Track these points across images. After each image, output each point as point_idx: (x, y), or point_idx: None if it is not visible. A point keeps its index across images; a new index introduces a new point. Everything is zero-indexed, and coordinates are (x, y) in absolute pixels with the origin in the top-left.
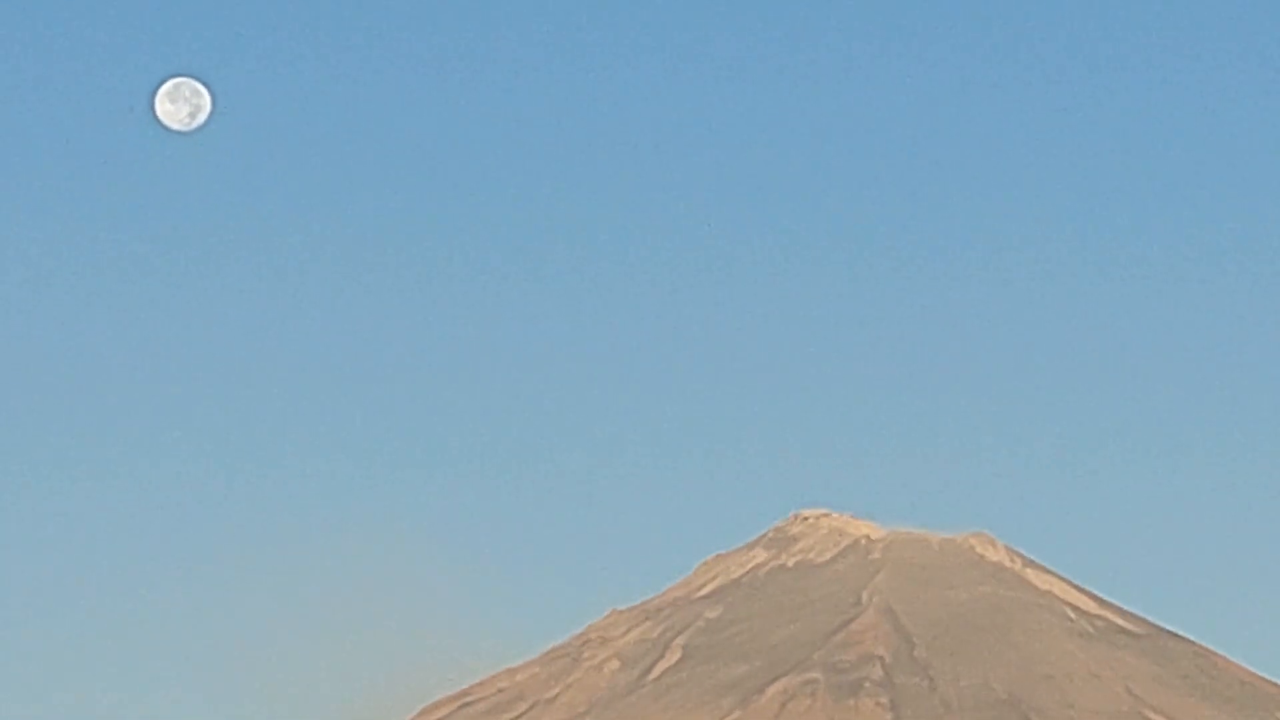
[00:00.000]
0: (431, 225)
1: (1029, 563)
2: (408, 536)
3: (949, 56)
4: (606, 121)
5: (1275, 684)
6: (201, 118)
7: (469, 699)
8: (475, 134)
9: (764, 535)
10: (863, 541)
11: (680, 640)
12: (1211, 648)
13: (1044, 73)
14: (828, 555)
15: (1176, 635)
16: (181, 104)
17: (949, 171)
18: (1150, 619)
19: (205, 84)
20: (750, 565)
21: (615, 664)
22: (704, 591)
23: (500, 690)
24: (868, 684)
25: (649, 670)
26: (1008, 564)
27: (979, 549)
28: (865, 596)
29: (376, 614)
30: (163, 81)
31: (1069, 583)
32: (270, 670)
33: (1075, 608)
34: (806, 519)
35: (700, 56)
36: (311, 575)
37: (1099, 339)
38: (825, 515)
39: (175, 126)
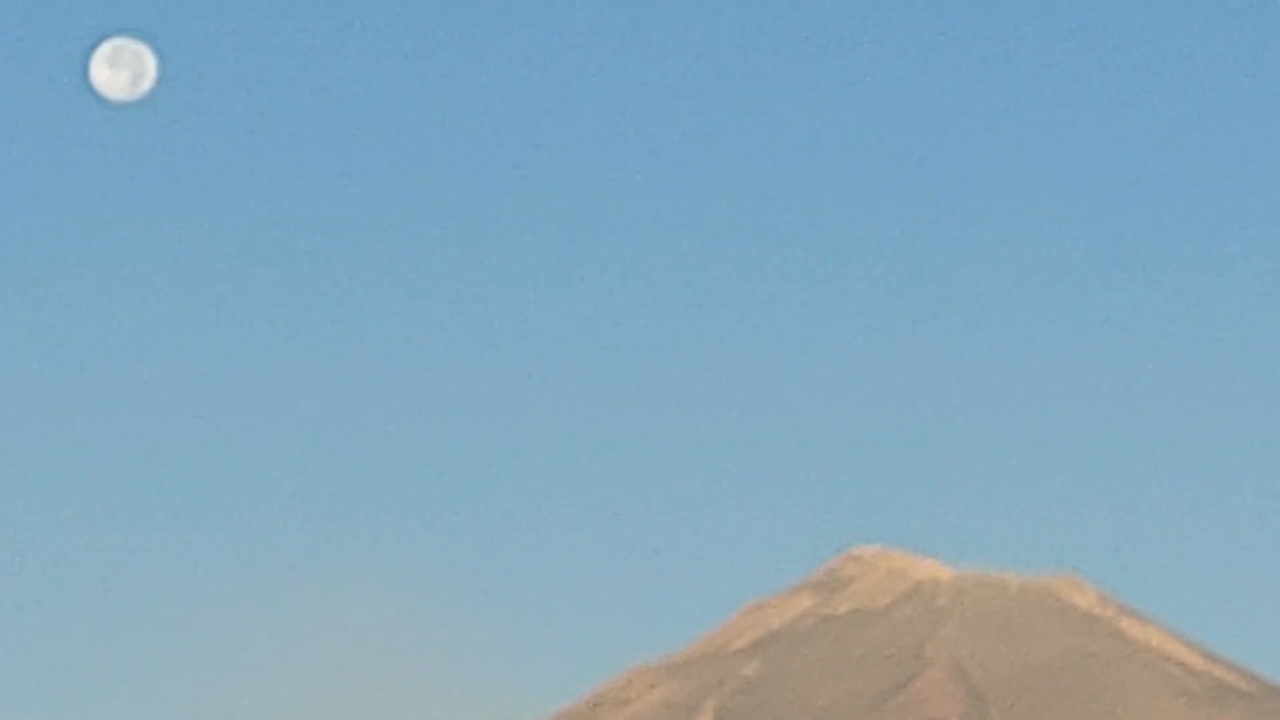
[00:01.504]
0: (402, 208)
1: (1123, 610)
2: (402, 581)
3: (949, 56)
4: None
5: None
6: (145, 85)
7: None
8: (443, 102)
9: (811, 577)
10: (927, 585)
11: (712, 701)
12: None
13: (1045, 73)
14: (886, 601)
15: None
16: (121, 70)
17: (1014, 200)
18: (1264, 676)
19: (149, 46)
20: (794, 613)
21: None
22: (740, 644)
23: None
24: None
25: None
26: (1098, 611)
27: (1064, 594)
28: (930, 650)
29: (368, 670)
30: (99, 43)
31: (1170, 633)
32: None
33: (1177, 662)
34: (861, 558)
35: (701, 56)
36: (303, 628)
37: (1207, 357)
38: (883, 553)
39: (115, 96)
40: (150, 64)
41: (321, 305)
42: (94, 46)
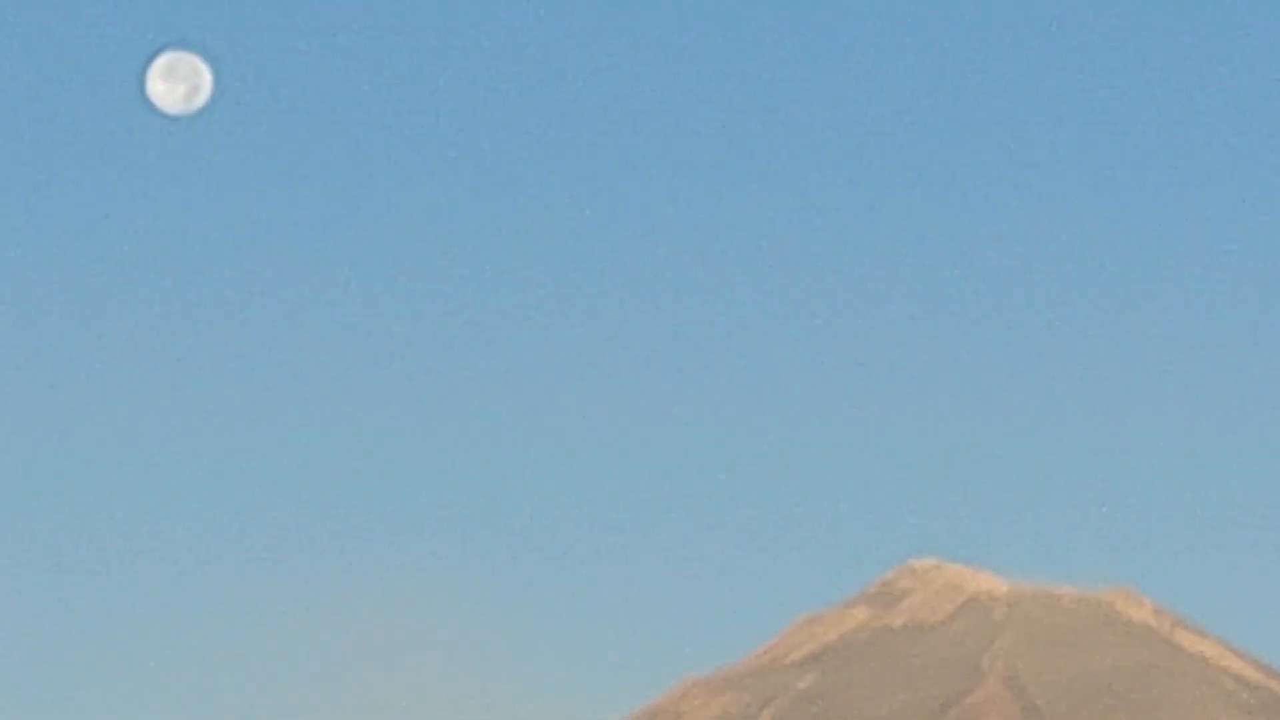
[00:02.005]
0: (451, 223)
1: (1180, 623)
2: (448, 589)
3: (950, 56)
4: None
5: None
6: (201, 99)
7: None
8: (496, 119)
9: (866, 590)
10: (983, 598)
11: (767, 713)
12: None
13: (1045, 72)
14: (941, 614)
15: None
16: (178, 83)
17: (1061, 202)
18: None
19: (205, 59)
20: (850, 626)
21: None
22: (795, 657)
23: None
24: None
25: None
26: (1154, 624)
27: (1120, 607)
28: (986, 663)
29: (413, 683)
30: (156, 56)
31: (1227, 646)
32: None
33: (1235, 676)
34: (916, 571)
35: (701, 57)
36: (342, 640)
37: (1268, 368)
38: (939, 566)
39: (170, 109)
40: (206, 77)
41: (375, 310)
42: (150, 59)
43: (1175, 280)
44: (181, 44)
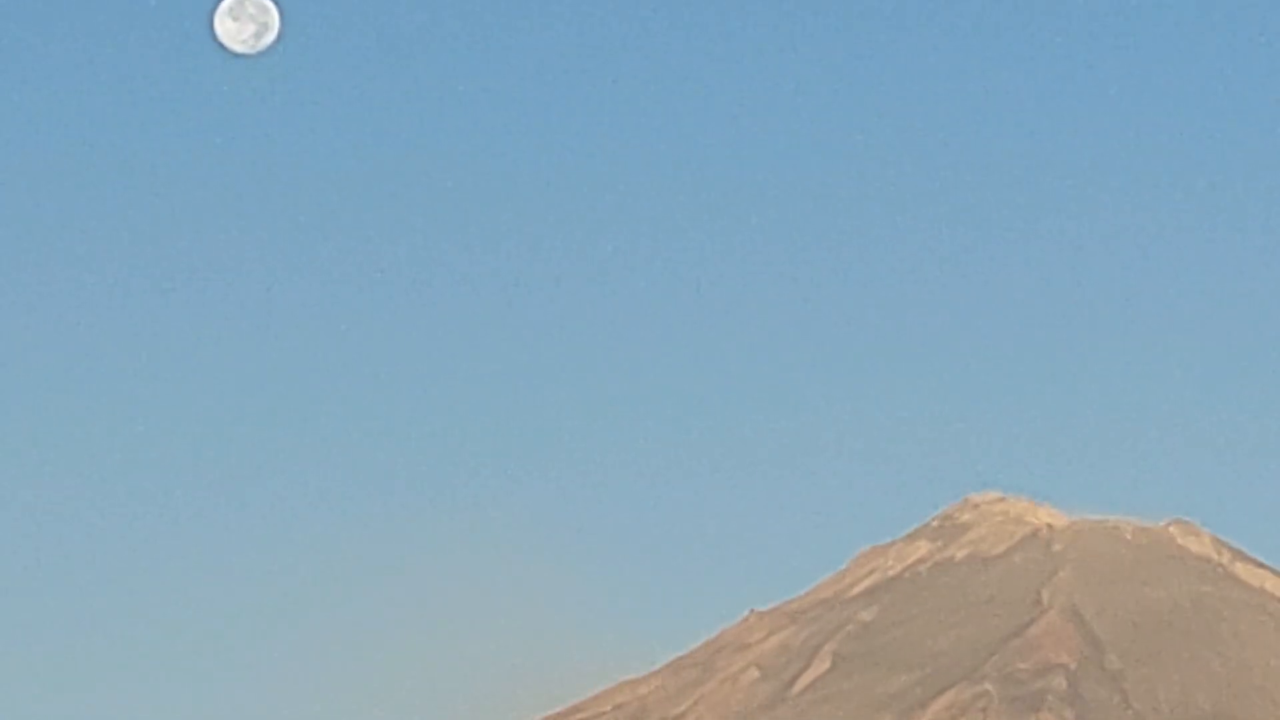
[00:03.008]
0: (514, 161)
1: (1239, 555)
2: (512, 526)
3: (950, 56)
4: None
5: None
6: (269, 38)
7: (581, 715)
8: (555, 46)
9: (928, 524)
10: (1043, 531)
11: (830, 647)
12: None
13: (1046, 73)
14: (1002, 547)
15: None
16: (246, 22)
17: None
18: None
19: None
20: (912, 559)
21: (754, 674)
22: (858, 590)
23: (618, 706)
24: (1050, 698)
25: (793, 682)
26: (1214, 556)
27: (1180, 539)
28: (1046, 596)
29: (478, 616)
30: None
31: None
32: (367, 677)
33: None
34: (977, 505)
35: (704, 56)
36: (406, 571)
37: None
38: (999, 500)
39: (238, 48)
40: (274, 16)
41: (437, 253)
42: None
43: (1225, 213)
44: None
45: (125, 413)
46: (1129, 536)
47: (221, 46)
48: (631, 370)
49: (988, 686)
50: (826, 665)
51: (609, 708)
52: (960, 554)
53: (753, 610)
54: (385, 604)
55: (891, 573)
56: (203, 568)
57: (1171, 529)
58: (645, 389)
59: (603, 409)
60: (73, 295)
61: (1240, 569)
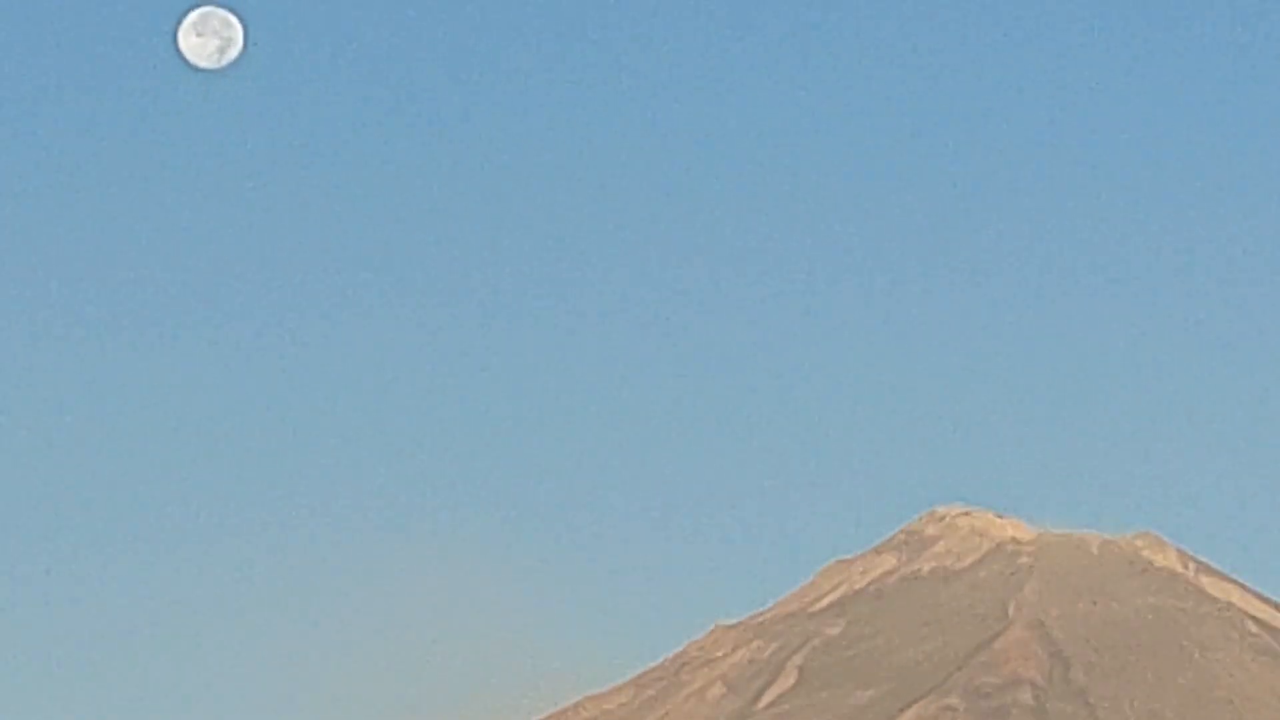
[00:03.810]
0: (480, 178)
1: (1204, 568)
2: (475, 539)
3: (951, 56)
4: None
5: None
6: (232, 53)
7: None
8: (522, 57)
9: (893, 537)
10: (1009, 544)
11: (796, 660)
12: None
13: (1047, 74)
14: (968, 560)
15: None
16: (210, 37)
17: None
18: None
19: (236, 14)
20: (878, 573)
21: (720, 689)
22: (824, 603)
23: None
24: (1015, 711)
25: (759, 696)
26: (1179, 569)
27: (1145, 552)
28: (1012, 609)
29: (441, 630)
30: (187, 11)
31: (1250, 591)
32: (331, 693)
33: (1258, 620)
34: (943, 518)
35: (701, 56)
36: (370, 585)
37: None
38: (965, 513)
39: (202, 64)
40: (237, 32)
41: (403, 271)
42: (182, 14)
43: (1197, 226)
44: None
45: (68, 452)
46: (1095, 550)
47: (186, 62)
48: (598, 385)
49: (954, 700)
50: (793, 679)
51: None
52: (926, 567)
53: (718, 623)
54: (348, 618)
55: (857, 586)
56: (162, 595)
57: (1137, 542)
58: (611, 403)
59: (569, 422)
60: (28, 312)
61: (1206, 582)
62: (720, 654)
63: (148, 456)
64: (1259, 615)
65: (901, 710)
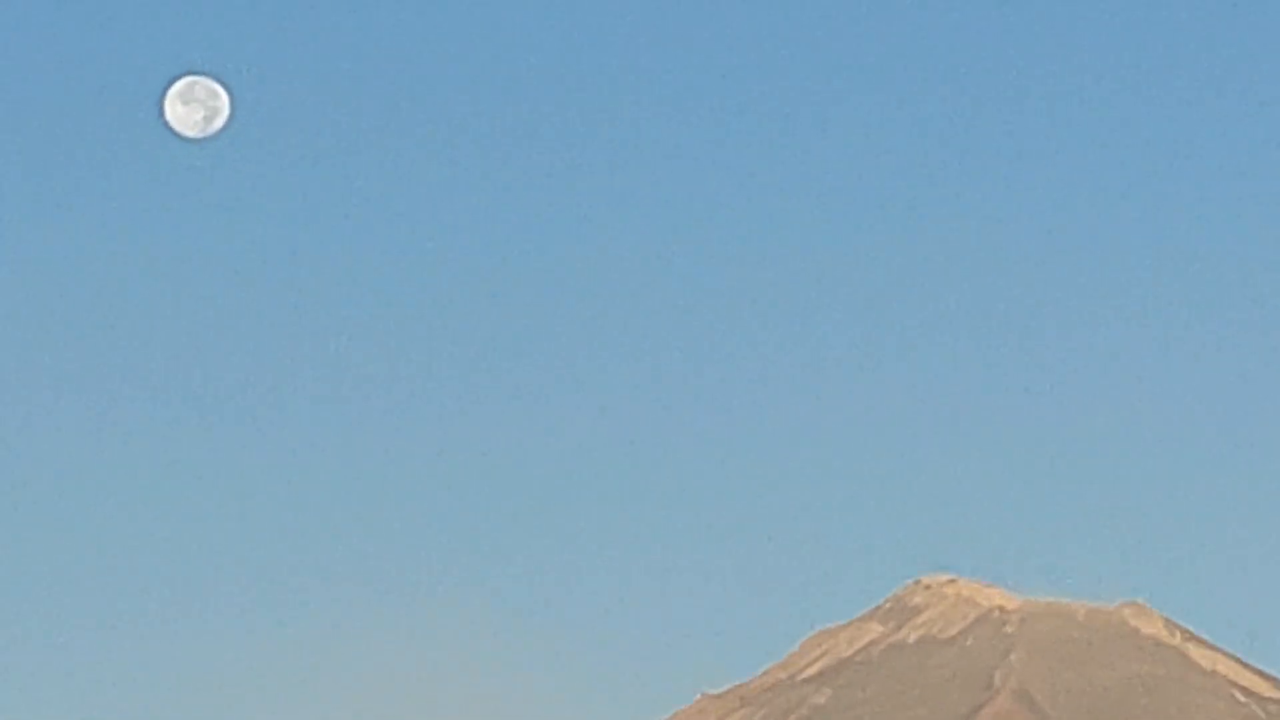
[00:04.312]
0: (468, 245)
1: (1191, 636)
2: (462, 609)
3: (952, 55)
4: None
5: None
6: (218, 123)
7: None
8: (508, 135)
9: (880, 606)
10: (995, 613)
11: None
12: None
13: (1050, 75)
14: (954, 629)
15: None
16: (196, 107)
17: (1075, 212)
18: None
19: (222, 83)
20: (864, 641)
21: None
22: (809, 672)
23: None
24: None
25: None
26: (1166, 638)
27: (1132, 621)
28: (999, 678)
29: (425, 700)
30: (173, 80)
31: (1239, 660)
32: None
33: (1247, 690)
34: (929, 587)
35: (701, 56)
36: (354, 658)
37: (1271, 377)
38: (951, 582)
39: (188, 133)
40: (223, 101)
41: (387, 327)
42: (169, 83)
43: (1183, 295)
44: (198, 68)
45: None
46: (1081, 618)
47: (171, 131)
48: (580, 451)
49: None
50: None
51: None
52: (912, 636)
53: (704, 693)
54: (335, 692)
55: (843, 655)
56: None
57: (1124, 610)
58: (594, 470)
59: (551, 490)
60: (8, 389)
61: (1193, 650)
62: None
63: (123, 537)
64: (1246, 684)
65: None
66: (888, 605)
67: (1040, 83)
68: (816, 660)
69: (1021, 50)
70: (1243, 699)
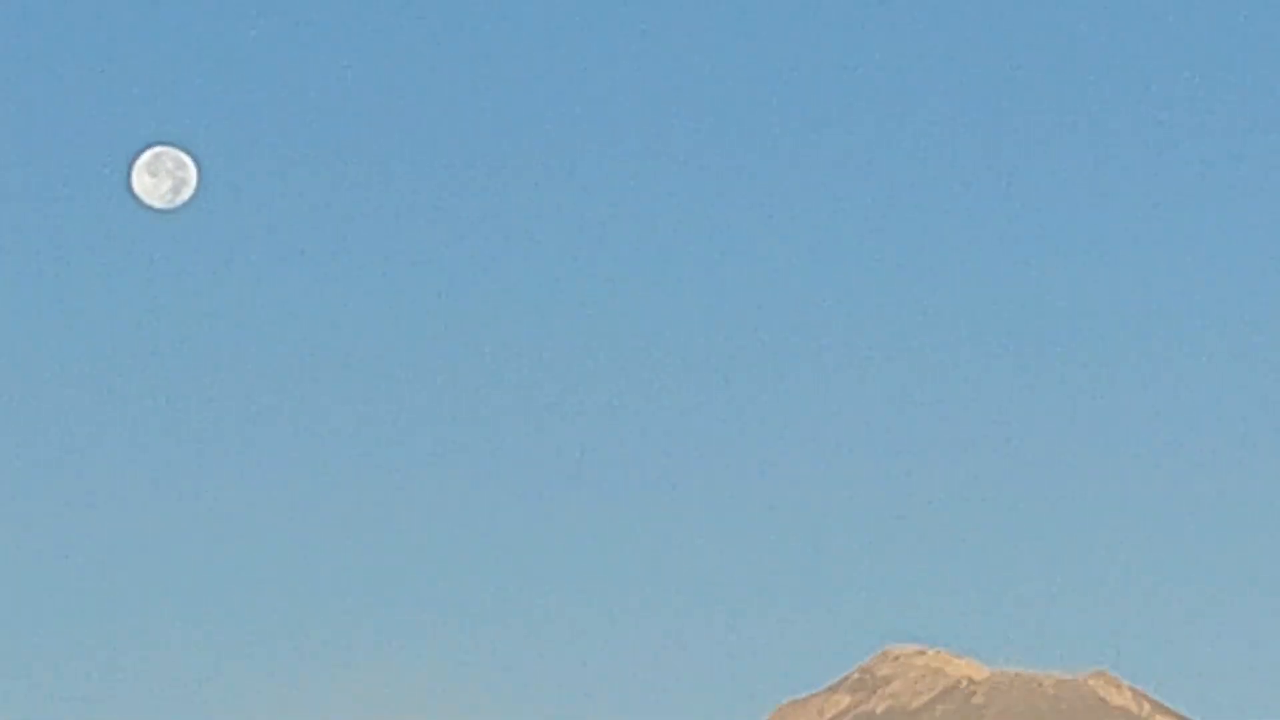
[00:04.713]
0: (441, 317)
1: (1159, 707)
2: (438, 677)
3: (951, 55)
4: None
5: None
6: (186, 194)
7: None
8: (484, 209)
9: (848, 676)
10: (963, 683)
11: None
12: None
13: (1050, 76)
14: (923, 699)
15: None
16: (163, 177)
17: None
18: None
19: (190, 154)
20: (832, 712)
21: None
22: None
23: None
24: None
25: None
26: (1134, 708)
27: (1100, 691)
28: None
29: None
30: (140, 151)
31: None
32: None
33: None
34: (897, 657)
35: (700, 56)
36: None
37: (1247, 456)
38: (919, 652)
39: (155, 203)
40: (191, 172)
41: (360, 408)
42: (136, 154)
43: (1147, 375)
44: (165, 139)
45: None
46: (1050, 689)
47: (139, 202)
48: (547, 524)
49: None
50: None
51: None
52: (880, 707)
53: None
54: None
55: None
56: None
57: (1092, 681)
58: (563, 547)
59: (524, 570)
60: None
61: None
62: None
63: (107, 608)
64: None
65: None
66: (856, 675)
67: (1040, 83)
68: None
69: (1022, 50)
70: None
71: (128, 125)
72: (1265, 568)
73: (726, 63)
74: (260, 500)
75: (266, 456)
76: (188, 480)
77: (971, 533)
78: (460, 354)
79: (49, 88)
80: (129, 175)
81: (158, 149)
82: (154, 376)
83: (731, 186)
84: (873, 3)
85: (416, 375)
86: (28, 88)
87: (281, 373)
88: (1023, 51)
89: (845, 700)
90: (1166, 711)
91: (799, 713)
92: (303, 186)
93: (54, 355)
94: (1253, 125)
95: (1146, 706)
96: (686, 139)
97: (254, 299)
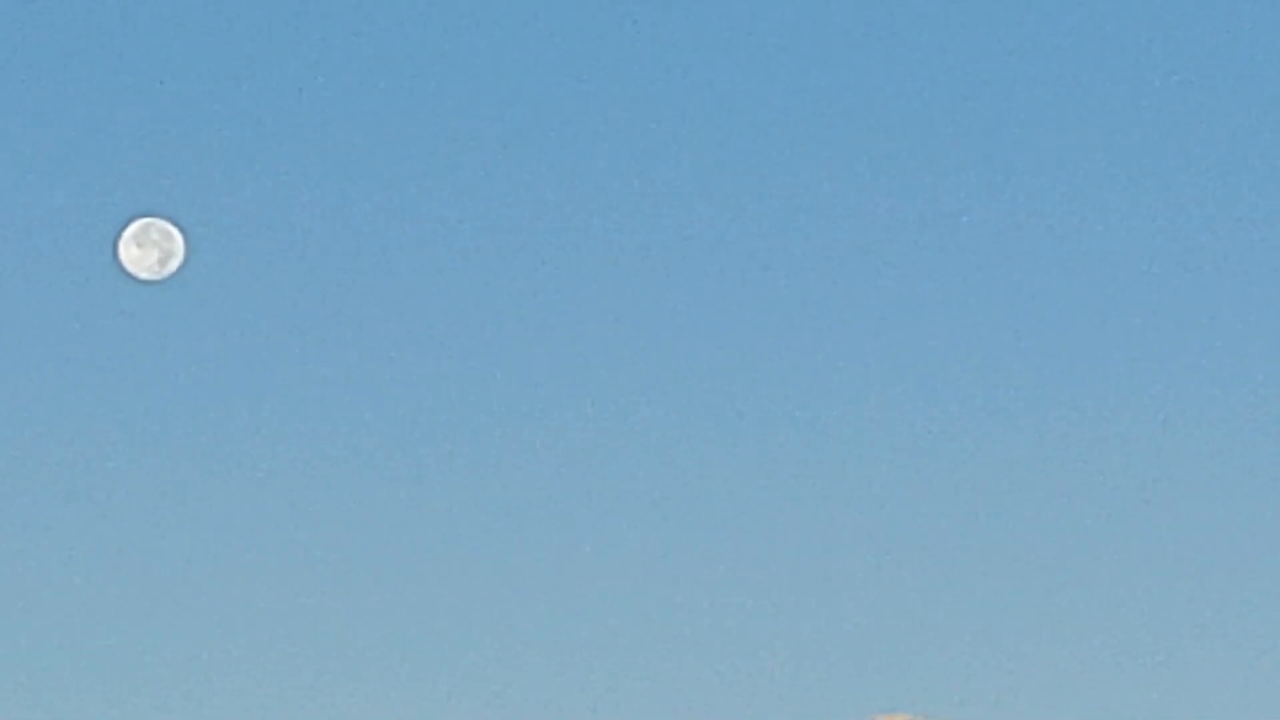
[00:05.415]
0: (438, 386)
1: None
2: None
3: (952, 55)
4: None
5: None
6: (173, 265)
7: None
8: (478, 283)
9: None
10: None
11: None
12: None
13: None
14: None
15: None
16: (150, 249)
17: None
18: None
19: (177, 225)
20: None
21: None
22: None
23: None
24: None
25: None
26: None
27: None
28: None
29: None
30: (127, 222)
31: None
32: None
33: None
34: None
35: (700, 55)
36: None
37: (1235, 509)
38: None
39: (142, 275)
40: (178, 243)
41: (353, 476)
42: (123, 225)
43: (1131, 447)
44: (152, 210)
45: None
46: None
47: (126, 273)
48: (523, 592)
49: None
50: None
51: None
52: None
53: None
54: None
55: None
56: None
57: None
58: (536, 619)
59: (506, 628)
60: None
61: None
62: None
63: (102, 653)
64: None
65: None
66: None
67: (1041, 83)
68: None
69: (1021, 51)
70: None
71: (114, 197)
72: (1257, 624)
73: (727, 62)
74: (247, 567)
75: (256, 532)
76: (179, 553)
77: (962, 597)
78: (449, 424)
79: (33, 159)
80: (116, 247)
81: (144, 220)
82: (141, 448)
83: (732, 186)
84: (873, 3)
85: (410, 453)
86: (11, 159)
87: (273, 442)
88: (1023, 51)
89: None
90: None
91: None
92: (292, 256)
93: (38, 426)
94: (1253, 125)
95: None
96: (687, 139)
97: (243, 369)
